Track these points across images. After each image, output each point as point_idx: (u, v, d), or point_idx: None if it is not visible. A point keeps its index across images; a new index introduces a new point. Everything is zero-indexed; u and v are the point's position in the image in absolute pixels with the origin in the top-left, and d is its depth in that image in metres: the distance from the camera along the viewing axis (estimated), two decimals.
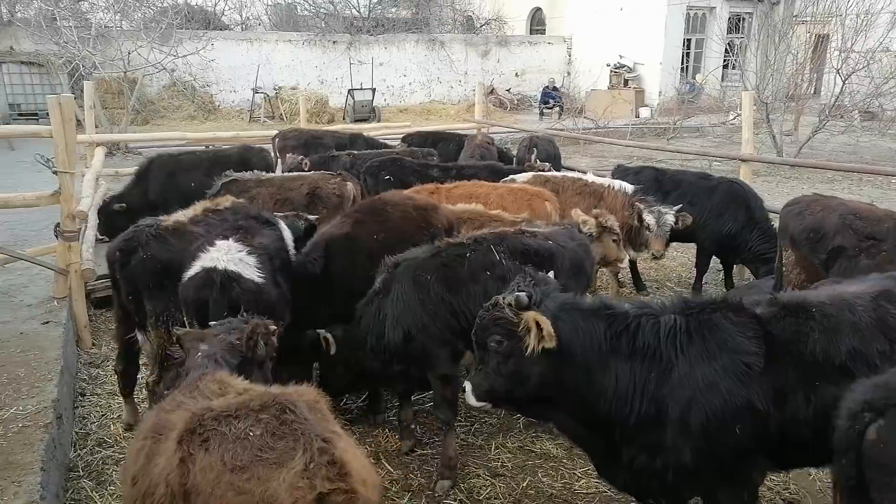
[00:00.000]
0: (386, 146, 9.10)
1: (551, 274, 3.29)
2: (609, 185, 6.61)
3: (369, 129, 10.93)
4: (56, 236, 5.44)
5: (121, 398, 4.71)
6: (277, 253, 4.04)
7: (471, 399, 2.80)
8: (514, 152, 10.07)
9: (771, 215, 6.45)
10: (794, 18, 18.94)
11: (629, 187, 6.55)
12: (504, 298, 2.66)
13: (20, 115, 18.08)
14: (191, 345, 2.75)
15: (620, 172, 7.22)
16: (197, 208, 4.37)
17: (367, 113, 21.39)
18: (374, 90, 22.15)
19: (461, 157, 9.07)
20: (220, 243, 3.71)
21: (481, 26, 28.36)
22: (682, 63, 24.54)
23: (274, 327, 2.96)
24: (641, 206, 6.21)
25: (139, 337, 4.05)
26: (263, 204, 5.84)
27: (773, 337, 2.59)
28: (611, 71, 24.60)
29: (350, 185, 6.42)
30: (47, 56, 17.58)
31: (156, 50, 16.51)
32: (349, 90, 21.89)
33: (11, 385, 3.99)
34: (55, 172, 5.14)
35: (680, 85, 23.34)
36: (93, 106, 9.91)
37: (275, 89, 21.73)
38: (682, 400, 2.52)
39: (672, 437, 2.53)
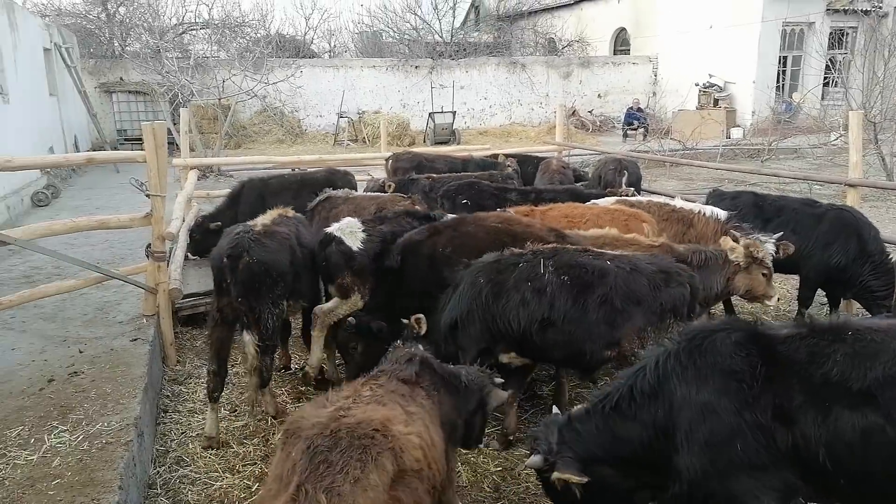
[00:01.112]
0: (495, 168, 9.01)
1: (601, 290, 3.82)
2: (699, 211, 6.21)
3: (451, 152, 10.93)
4: (147, 256, 5.67)
5: (200, 416, 4.84)
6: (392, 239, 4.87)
7: None
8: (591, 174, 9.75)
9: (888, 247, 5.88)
10: None
11: (722, 213, 6.13)
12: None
13: (126, 139, 19.42)
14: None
15: (716, 197, 6.81)
16: (270, 215, 4.88)
17: (448, 136, 21.57)
18: (454, 113, 22.34)
19: (536, 182, 8.90)
20: (346, 218, 5.04)
21: (563, 48, 28.15)
22: (778, 81, 23.35)
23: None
24: (737, 235, 5.79)
25: (246, 337, 4.28)
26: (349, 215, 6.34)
27: (779, 356, 2.55)
28: (700, 90, 23.73)
29: (417, 207, 6.39)
30: (151, 85, 18.88)
31: (248, 78, 17.33)
32: (430, 113, 22.18)
33: (99, 401, 4.11)
34: (147, 195, 5.36)
35: (775, 104, 22.17)
36: (188, 131, 10.42)
37: (358, 113, 22.34)
38: (684, 423, 2.60)
39: (684, 460, 2.59)
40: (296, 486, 2.11)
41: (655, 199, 6.64)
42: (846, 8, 22.92)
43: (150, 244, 5.59)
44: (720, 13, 22.94)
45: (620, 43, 29.19)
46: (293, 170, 10.86)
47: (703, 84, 23.74)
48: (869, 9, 23.33)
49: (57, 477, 3.28)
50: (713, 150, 18.22)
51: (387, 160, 9.70)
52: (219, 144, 16.35)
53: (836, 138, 18.17)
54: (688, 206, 6.38)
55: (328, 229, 4.90)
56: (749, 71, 22.55)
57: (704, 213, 6.19)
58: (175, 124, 18.81)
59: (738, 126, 22.47)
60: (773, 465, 2.49)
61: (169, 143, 20.88)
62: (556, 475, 2.69)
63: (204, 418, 4.71)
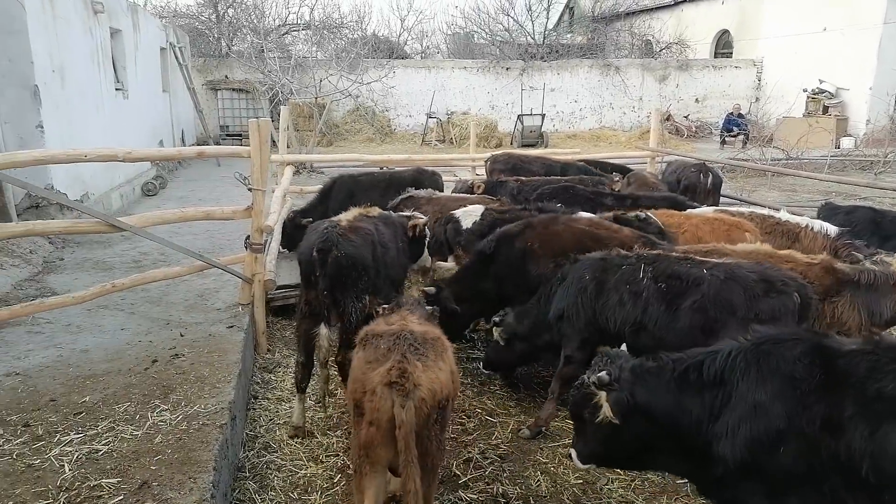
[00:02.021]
0: (593, 173, 8.84)
1: (694, 298, 3.88)
2: (806, 226, 5.85)
3: (548, 154, 10.83)
4: (245, 247, 5.93)
5: (287, 405, 5.01)
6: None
7: (577, 463, 3.24)
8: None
9: None
10: None
11: (832, 229, 5.74)
12: (588, 378, 3.01)
13: (228, 135, 20.49)
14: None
15: (828, 211, 6.41)
16: (352, 212, 4.97)
17: (535, 138, 21.37)
18: (543, 116, 22.10)
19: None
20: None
21: (661, 50, 27.24)
22: None
23: None
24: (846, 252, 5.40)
25: (322, 331, 4.35)
26: (429, 216, 6.46)
27: (838, 368, 2.58)
28: (808, 97, 22.31)
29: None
30: (253, 83, 19.83)
31: (344, 77, 17.84)
32: (518, 115, 22.04)
33: (197, 383, 4.34)
34: (250, 189, 5.61)
35: (894, 112, 20.52)
36: (287, 128, 10.85)
37: (447, 114, 22.52)
38: (736, 418, 2.68)
39: (727, 450, 2.67)
40: (400, 353, 2.90)
41: (759, 210, 6.30)
42: None
43: (248, 236, 5.85)
44: (835, 15, 21.48)
45: (722, 46, 27.91)
46: (381, 168, 11.15)
47: (813, 90, 22.30)
48: None
49: (158, 453, 3.48)
50: (819, 161, 17.10)
51: (486, 161, 9.73)
52: (313, 142, 16.94)
53: None
54: (794, 219, 6.02)
55: (453, 211, 6.07)
56: (866, 77, 20.97)
57: (812, 228, 5.83)
58: (273, 121, 19.70)
59: (850, 135, 20.98)
60: (810, 473, 2.56)
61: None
62: (605, 401, 2.88)
63: (291, 407, 4.88)
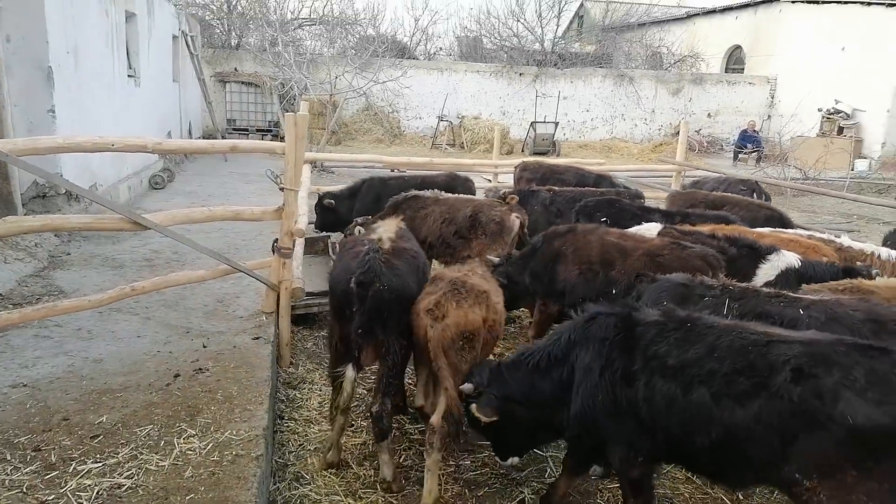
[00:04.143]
0: (626, 190, 8.40)
1: None
2: (872, 253, 5.48)
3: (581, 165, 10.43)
4: (273, 251, 5.50)
5: (316, 427, 4.58)
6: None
7: (501, 462, 3.94)
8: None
9: None
10: None
11: None
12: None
13: (234, 129, 20.00)
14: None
15: None
16: (392, 225, 4.47)
17: (548, 146, 21.02)
18: (556, 124, 21.76)
19: None
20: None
21: (674, 63, 26.95)
22: None
23: None
24: None
25: (349, 374, 3.77)
26: (434, 221, 6.35)
27: (636, 334, 3.16)
28: (823, 117, 22.06)
29: (515, 216, 6.30)
30: (263, 77, 19.35)
31: (358, 76, 17.40)
32: (532, 123, 21.69)
33: (226, 403, 3.91)
34: (282, 189, 5.18)
35: None
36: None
37: (458, 117, 22.11)
38: (577, 382, 3.30)
39: (574, 407, 3.31)
40: (443, 292, 3.69)
41: (818, 235, 5.92)
42: None
43: (276, 239, 5.42)
44: (854, 35, 21.26)
45: (734, 62, 27.67)
46: (392, 171, 10.76)
47: (828, 110, 22.06)
48: None
49: (190, 491, 3.04)
50: (838, 182, 16.80)
51: (515, 168, 9.34)
52: (324, 140, 16.50)
53: None
54: (857, 245, 5.65)
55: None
56: (884, 98, 20.75)
57: (880, 256, 5.45)
58: (279, 117, 19.19)
59: (864, 158, 20.74)
60: (621, 415, 3.14)
61: (279, 136, 21.46)
62: (473, 409, 3.48)
63: (320, 430, 4.46)
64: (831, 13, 22.42)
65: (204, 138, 18.82)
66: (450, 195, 6.95)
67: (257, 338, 4.98)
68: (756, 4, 25.42)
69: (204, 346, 4.73)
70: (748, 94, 25.14)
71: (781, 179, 15.00)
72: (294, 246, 5.51)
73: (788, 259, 4.60)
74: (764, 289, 3.87)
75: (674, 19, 29.81)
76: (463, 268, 4.23)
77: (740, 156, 21.31)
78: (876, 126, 21.02)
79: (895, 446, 2.50)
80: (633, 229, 5.35)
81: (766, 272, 4.57)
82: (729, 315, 3.63)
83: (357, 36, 21.16)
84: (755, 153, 20.98)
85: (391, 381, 3.79)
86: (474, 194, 7.92)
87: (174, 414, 3.75)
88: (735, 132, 23.34)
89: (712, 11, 28.02)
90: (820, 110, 22.16)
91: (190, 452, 3.37)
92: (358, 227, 5.56)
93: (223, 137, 18.76)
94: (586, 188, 8.05)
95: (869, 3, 21.46)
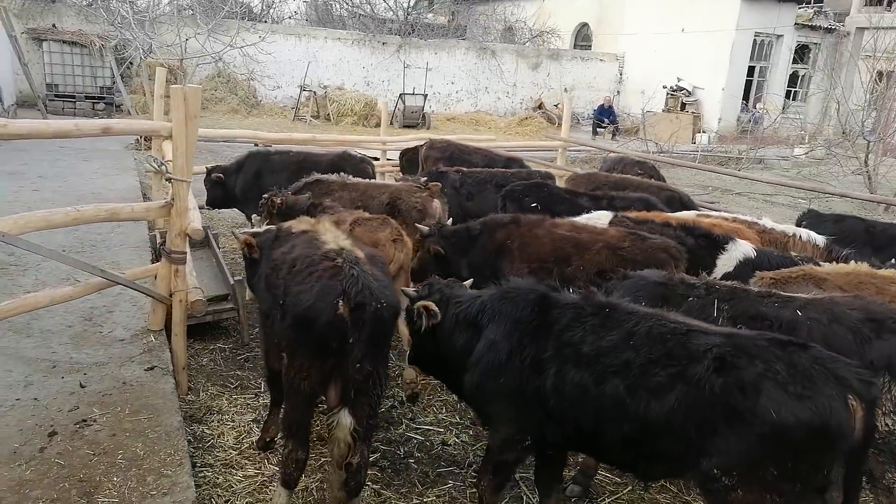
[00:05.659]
0: (536, 172, 8.05)
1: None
2: (794, 234, 5.58)
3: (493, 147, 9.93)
4: (157, 255, 4.43)
5: (239, 473, 3.73)
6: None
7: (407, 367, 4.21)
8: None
9: None
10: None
11: (820, 239, 5.52)
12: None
13: (57, 95, 17.13)
14: None
15: (811, 218, 6.19)
16: (328, 225, 3.65)
17: (417, 119, 20.44)
18: (425, 96, 21.20)
19: None
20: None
21: (532, 38, 27.40)
22: (746, 90, 23.60)
23: None
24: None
25: (345, 420, 2.97)
26: (344, 207, 5.55)
27: (550, 317, 2.96)
28: (667, 93, 23.63)
29: (437, 202, 5.95)
30: (90, 36, 16.66)
31: (211, 38, 15.54)
32: (400, 94, 20.93)
33: (132, 471, 2.95)
34: (169, 180, 4.14)
35: (742, 113, 22.36)
36: (163, 94, 8.91)
37: (322, 87, 20.78)
38: (479, 352, 3.09)
39: (468, 378, 3.13)
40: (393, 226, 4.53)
41: (742, 217, 5.94)
42: (812, 24, 23.41)
43: (164, 241, 4.36)
44: (693, 18, 22.85)
45: (581, 38, 28.74)
46: (255, 144, 9.75)
47: (671, 87, 23.66)
48: (829, 26, 23.95)
49: None
50: (690, 155, 18.04)
51: (420, 147, 8.64)
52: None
53: (808, 151, 18.42)
54: (779, 227, 5.73)
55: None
56: (719, 78, 22.61)
57: (800, 237, 5.56)
58: (127, 84, 16.77)
59: (704, 132, 22.55)
60: (522, 400, 2.95)
61: (114, 104, 18.61)
62: (420, 302, 3.29)
63: (246, 477, 3.64)
64: None
65: (19, 105, 15.94)
66: (360, 180, 6.21)
67: (151, 367, 3.96)
68: None
69: (82, 386, 3.64)
70: (599, 71, 26.26)
71: (646, 154, 15.72)
72: (188, 249, 4.47)
73: (745, 248, 4.46)
74: (752, 287, 3.60)
75: None
76: (332, 217, 4.39)
77: (599, 129, 22.21)
78: (713, 103, 22.89)
79: (815, 444, 2.41)
80: (583, 218, 4.93)
81: (725, 263, 4.40)
82: (720, 318, 3.28)
83: None
84: (612, 127, 21.96)
85: (371, 422, 3.05)
86: (371, 178, 7.20)
87: (61, 496, 2.74)
88: (588, 107, 24.29)
89: None
90: (664, 87, 23.70)
91: None
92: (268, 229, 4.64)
93: (45, 105, 16.01)
94: (496, 170, 7.62)
95: None
